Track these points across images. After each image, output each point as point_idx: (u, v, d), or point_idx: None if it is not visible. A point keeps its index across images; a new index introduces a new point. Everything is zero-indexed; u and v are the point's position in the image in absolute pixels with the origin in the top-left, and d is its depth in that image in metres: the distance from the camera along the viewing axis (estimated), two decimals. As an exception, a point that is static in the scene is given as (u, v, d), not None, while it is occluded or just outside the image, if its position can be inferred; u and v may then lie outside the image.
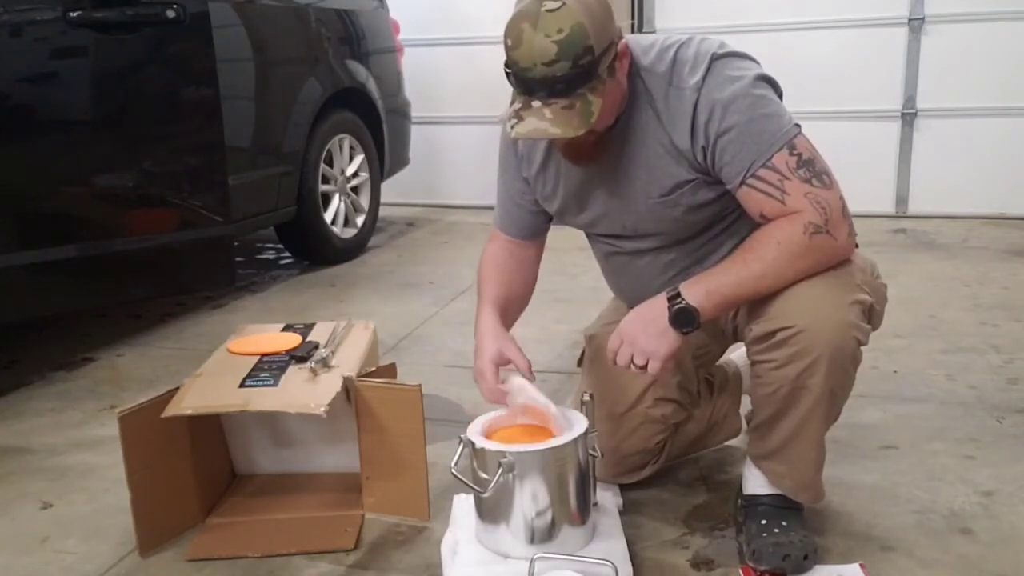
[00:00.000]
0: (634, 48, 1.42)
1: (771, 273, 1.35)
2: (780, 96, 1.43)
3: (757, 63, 1.43)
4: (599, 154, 1.44)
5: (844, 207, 1.37)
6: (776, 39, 4.42)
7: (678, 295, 1.37)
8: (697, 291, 1.36)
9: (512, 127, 1.31)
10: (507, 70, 1.30)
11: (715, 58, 1.38)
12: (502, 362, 1.50)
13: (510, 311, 1.63)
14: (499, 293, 1.61)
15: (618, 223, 1.54)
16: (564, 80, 1.26)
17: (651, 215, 1.48)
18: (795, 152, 1.35)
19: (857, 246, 1.55)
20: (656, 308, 1.39)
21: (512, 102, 1.33)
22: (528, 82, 1.28)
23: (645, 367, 1.40)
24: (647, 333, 1.39)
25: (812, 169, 1.36)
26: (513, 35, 1.26)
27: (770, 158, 1.35)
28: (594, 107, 1.28)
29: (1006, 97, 4.20)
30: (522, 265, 1.68)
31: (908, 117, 4.36)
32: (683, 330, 1.37)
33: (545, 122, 1.28)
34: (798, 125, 1.38)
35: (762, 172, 1.35)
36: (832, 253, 1.36)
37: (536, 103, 1.28)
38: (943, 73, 4.26)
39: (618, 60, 1.33)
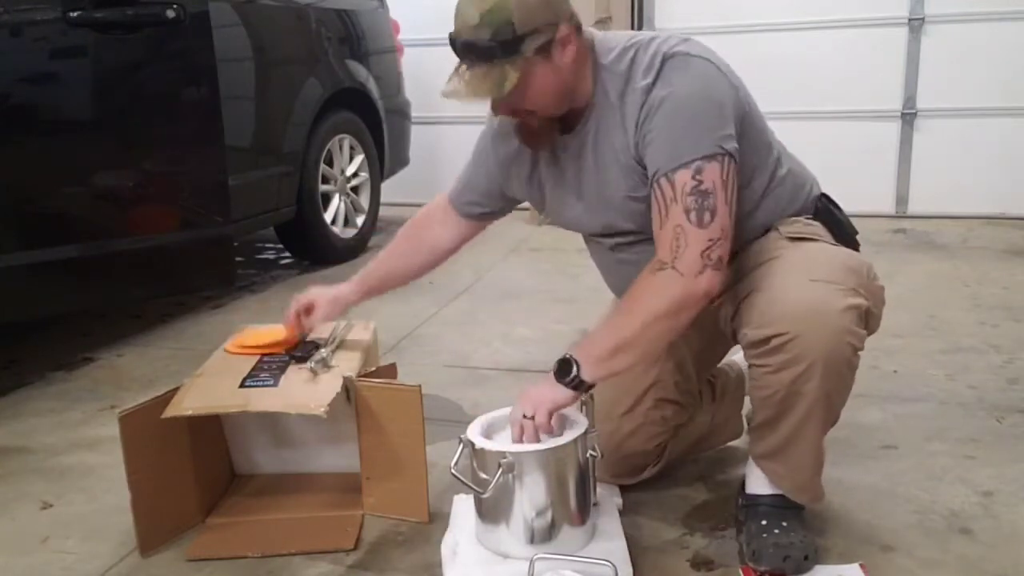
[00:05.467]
0: (599, 47, 1.44)
1: (632, 325, 1.36)
2: (748, 109, 1.42)
3: (713, 63, 1.40)
4: (554, 143, 1.49)
5: (708, 249, 1.32)
6: (776, 39, 4.42)
7: (575, 373, 1.37)
8: (586, 362, 1.38)
9: (443, 92, 1.39)
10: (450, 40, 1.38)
11: (666, 58, 1.38)
12: (305, 304, 1.78)
13: (390, 280, 1.81)
14: (388, 268, 1.80)
15: (597, 222, 1.55)
16: (481, 48, 1.33)
17: (625, 210, 1.49)
18: (698, 176, 1.33)
19: (858, 246, 1.56)
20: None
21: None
22: (456, 47, 1.37)
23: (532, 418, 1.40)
24: (542, 387, 1.41)
25: (702, 201, 1.32)
26: (456, 6, 1.36)
27: (675, 170, 1.34)
28: (508, 81, 1.33)
29: (1006, 97, 4.20)
30: (451, 231, 1.76)
31: (908, 117, 4.37)
32: (572, 388, 1.38)
33: (462, 84, 1.36)
34: (724, 149, 1.34)
35: (663, 182, 1.35)
36: (676, 290, 1.33)
37: (462, 67, 1.37)
38: (943, 73, 4.26)
39: (556, 46, 1.36)
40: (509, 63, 1.33)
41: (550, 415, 1.38)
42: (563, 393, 1.39)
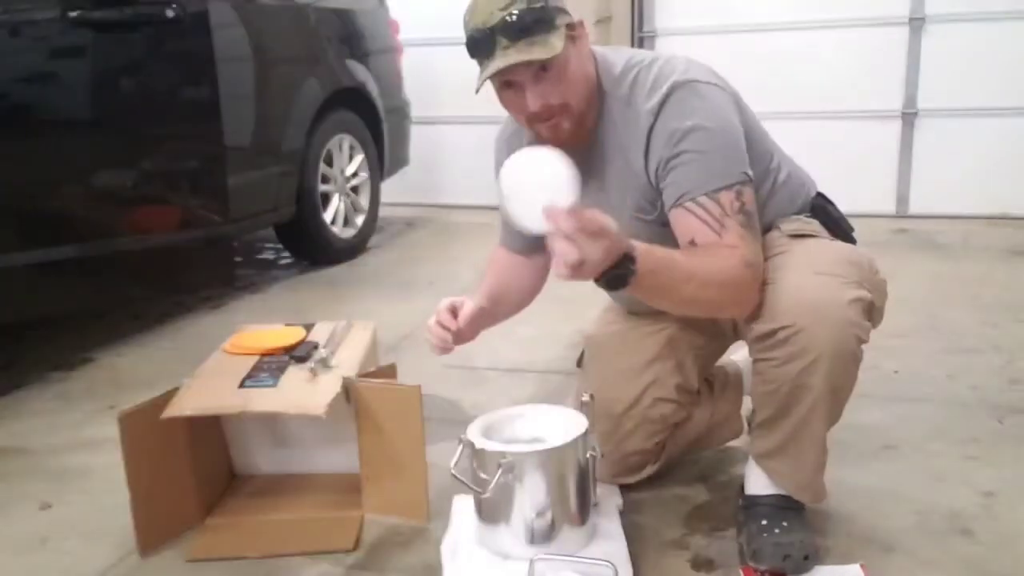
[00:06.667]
0: (600, 64, 1.45)
1: (694, 283, 1.30)
2: (747, 120, 1.44)
3: (719, 87, 1.42)
4: (575, 144, 1.43)
5: (758, 266, 1.38)
6: (776, 39, 4.42)
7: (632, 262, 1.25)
8: (644, 262, 1.25)
9: (480, 80, 1.36)
10: (469, 47, 1.35)
11: (675, 85, 1.39)
12: (453, 303, 1.57)
13: (499, 307, 1.68)
14: (492, 288, 1.68)
15: None
16: (522, 18, 1.31)
17: (631, 227, 1.47)
18: (741, 198, 1.37)
19: (855, 242, 1.57)
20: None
21: (480, 72, 1.36)
22: (490, 34, 1.32)
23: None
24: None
25: (750, 220, 1.37)
26: (469, 6, 1.35)
27: (717, 191, 1.36)
28: (555, 47, 1.32)
29: (1007, 97, 4.19)
30: (520, 273, 1.72)
31: (909, 117, 4.36)
32: (608, 282, 1.28)
33: (508, 58, 1.32)
34: (748, 176, 1.39)
35: (705, 200, 1.36)
36: (748, 291, 1.36)
37: (499, 51, 1.32)
38: (944, 73, 4.25)
39: (577, 32, 1.38)
40: (550, 34, 1.33)
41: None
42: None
